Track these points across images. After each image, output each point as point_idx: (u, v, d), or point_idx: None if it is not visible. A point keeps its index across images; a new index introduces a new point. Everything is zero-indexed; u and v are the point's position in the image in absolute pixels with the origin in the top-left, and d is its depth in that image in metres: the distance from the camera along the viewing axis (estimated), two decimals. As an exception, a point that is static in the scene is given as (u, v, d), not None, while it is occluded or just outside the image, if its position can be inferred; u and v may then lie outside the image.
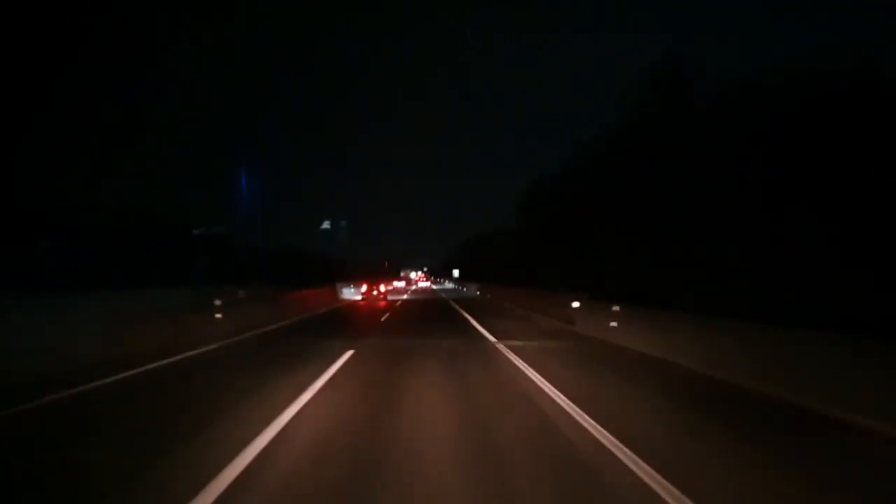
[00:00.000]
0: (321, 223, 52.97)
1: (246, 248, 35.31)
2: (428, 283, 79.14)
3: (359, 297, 26.75)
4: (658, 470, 3.58)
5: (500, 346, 9.94)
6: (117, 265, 25.29)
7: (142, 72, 44.99)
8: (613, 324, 10.58)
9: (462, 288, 49.49)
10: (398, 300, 28.04)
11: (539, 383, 6.51)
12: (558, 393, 5.91)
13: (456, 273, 53.04)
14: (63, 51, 25.36)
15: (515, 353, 8.89)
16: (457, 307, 22.61)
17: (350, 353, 8.91)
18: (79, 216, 25.43)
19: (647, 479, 3.44)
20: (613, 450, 4.03)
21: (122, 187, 46.05)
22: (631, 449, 4.01)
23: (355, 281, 30.02)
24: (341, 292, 27.04)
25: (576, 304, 13.29)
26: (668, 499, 3.16)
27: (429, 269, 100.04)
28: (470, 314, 18.33)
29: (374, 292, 28.52)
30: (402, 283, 63.52)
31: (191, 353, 9.09)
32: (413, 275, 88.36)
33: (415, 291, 46.76)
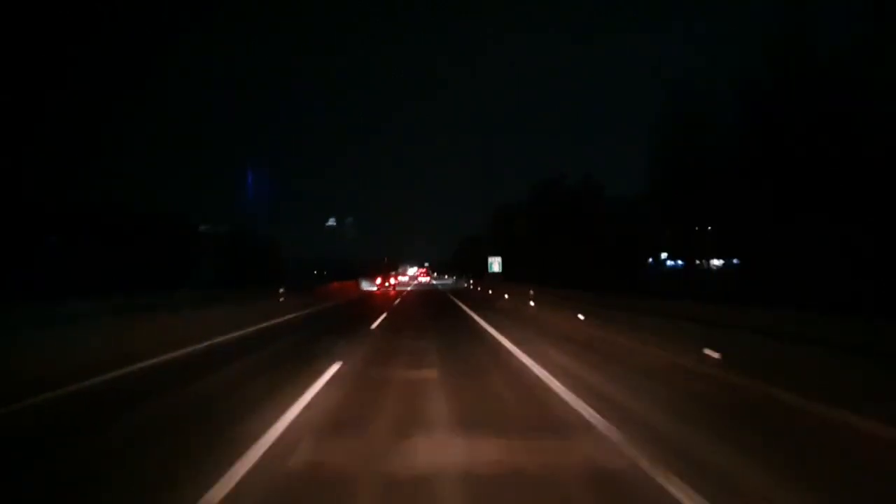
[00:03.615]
0: (327, 220, 51.66)
1: (260, 247, 35.74)
2: (428, 279, 78.58)
3: (374, 289, 36.01)
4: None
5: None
6: (121, 264, 24.05)
7: (150, 71, 43.55)
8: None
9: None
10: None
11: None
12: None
13: (496, 265, 29.44)
14: (69, 49, 24.00)
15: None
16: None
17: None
18: (84, 214, 24.04)
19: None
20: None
21: (126, 185, 44.84)
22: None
23: (372, 277, 39.47)
24: (362, 285, 35.49)
25: None
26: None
27: (430, 265, 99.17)
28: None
29: (386, 284, 38.66)
30: (405, 279, 62.85)
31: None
32: (411, 271, 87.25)
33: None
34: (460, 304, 18.81)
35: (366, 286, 35.71)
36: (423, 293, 30.73)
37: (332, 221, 49.42)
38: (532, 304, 14.53)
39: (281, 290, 16.29)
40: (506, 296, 18.97)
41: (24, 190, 20.55)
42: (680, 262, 29.69)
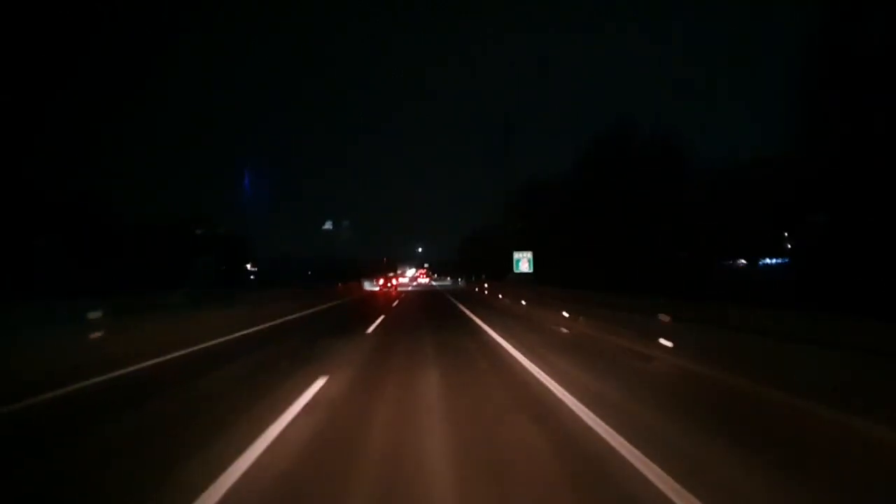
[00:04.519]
0: (323, 223, 51.70)
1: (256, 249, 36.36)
2: (427, 280, 78.31)
3: (377, 289, 37.84)
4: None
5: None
6: (121, 264, 23.97)
7: (150, 71, 43.79)
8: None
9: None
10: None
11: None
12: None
13: (525, 262, 21.34)
14: (72, 48, 23.98)
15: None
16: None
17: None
18: (84, 214, 23.95)
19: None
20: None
21: (126, 185, 44.98)
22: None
23: (374, 278, 42.34)
24: (364, 285, 38.30)
25: None
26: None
27: (429, 266, 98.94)
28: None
29: (388, 285, 40.68)
30: (405, 280, 62.83)
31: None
32: (410, 272, 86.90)
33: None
34: (504, 342, 7.95)
35: (369, 286, 38.66)
36: (423, 295, 29.86)
37: (328, 225, 49.41)
38: (667, 343, 6.26)
39: (92, 316, 7.75)
40: (564, 314, 10.46)
41: (24, 190, 20.46)
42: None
